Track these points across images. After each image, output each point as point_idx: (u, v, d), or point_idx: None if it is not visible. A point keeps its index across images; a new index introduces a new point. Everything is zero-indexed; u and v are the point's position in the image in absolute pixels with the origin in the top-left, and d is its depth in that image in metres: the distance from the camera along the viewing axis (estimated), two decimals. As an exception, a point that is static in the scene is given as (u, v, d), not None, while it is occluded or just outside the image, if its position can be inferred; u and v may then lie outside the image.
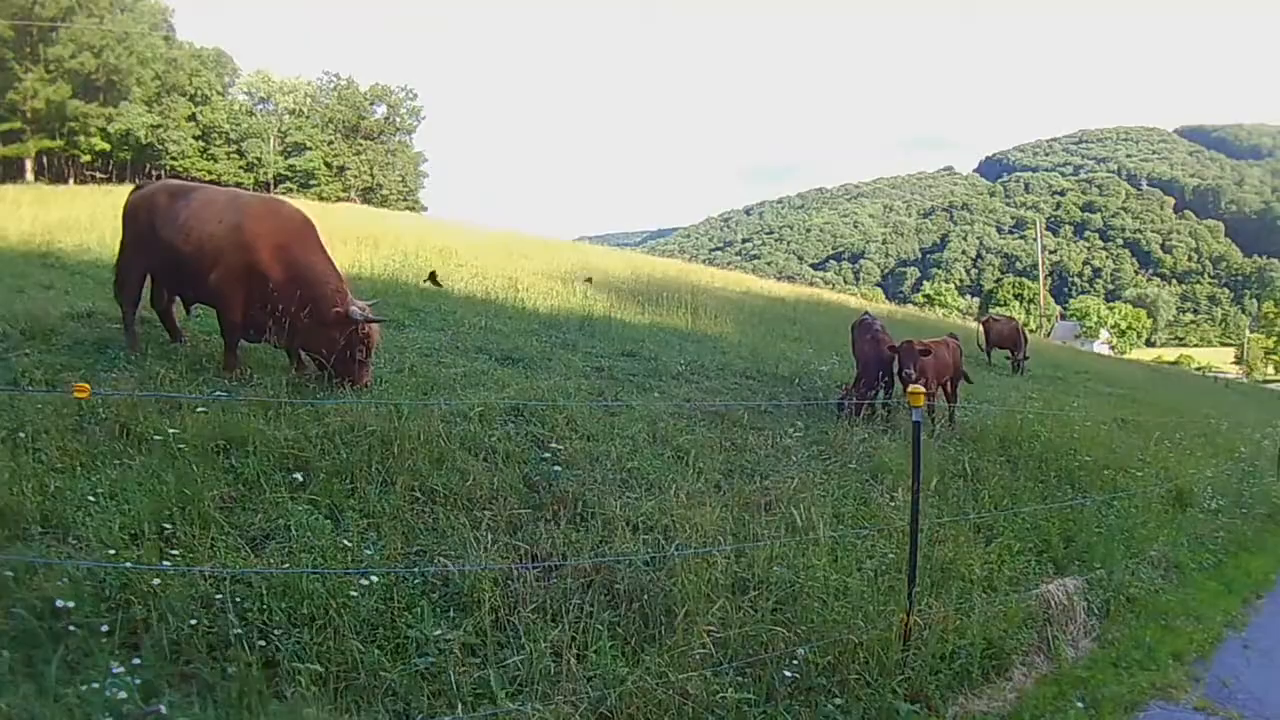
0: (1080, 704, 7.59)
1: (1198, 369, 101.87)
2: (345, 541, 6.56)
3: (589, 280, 28.66)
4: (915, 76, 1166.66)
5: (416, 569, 6.53)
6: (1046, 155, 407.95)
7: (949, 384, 15.99)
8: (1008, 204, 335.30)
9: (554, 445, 9.42)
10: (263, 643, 5.36)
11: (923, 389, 7.68)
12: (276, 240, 10.23)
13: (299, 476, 7.47)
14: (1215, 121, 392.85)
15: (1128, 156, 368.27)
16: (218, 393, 9.00)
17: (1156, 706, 7.96)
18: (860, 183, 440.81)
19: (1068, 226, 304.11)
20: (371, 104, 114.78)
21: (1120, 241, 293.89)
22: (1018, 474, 12.64)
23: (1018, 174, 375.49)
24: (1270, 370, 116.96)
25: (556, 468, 8.84)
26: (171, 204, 10.40)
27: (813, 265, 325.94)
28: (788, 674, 6.36)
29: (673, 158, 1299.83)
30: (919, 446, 7.53)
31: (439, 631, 5.86)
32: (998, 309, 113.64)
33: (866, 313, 18.57)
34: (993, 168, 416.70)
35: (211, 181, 73.85)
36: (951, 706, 7.11)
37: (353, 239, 27.20)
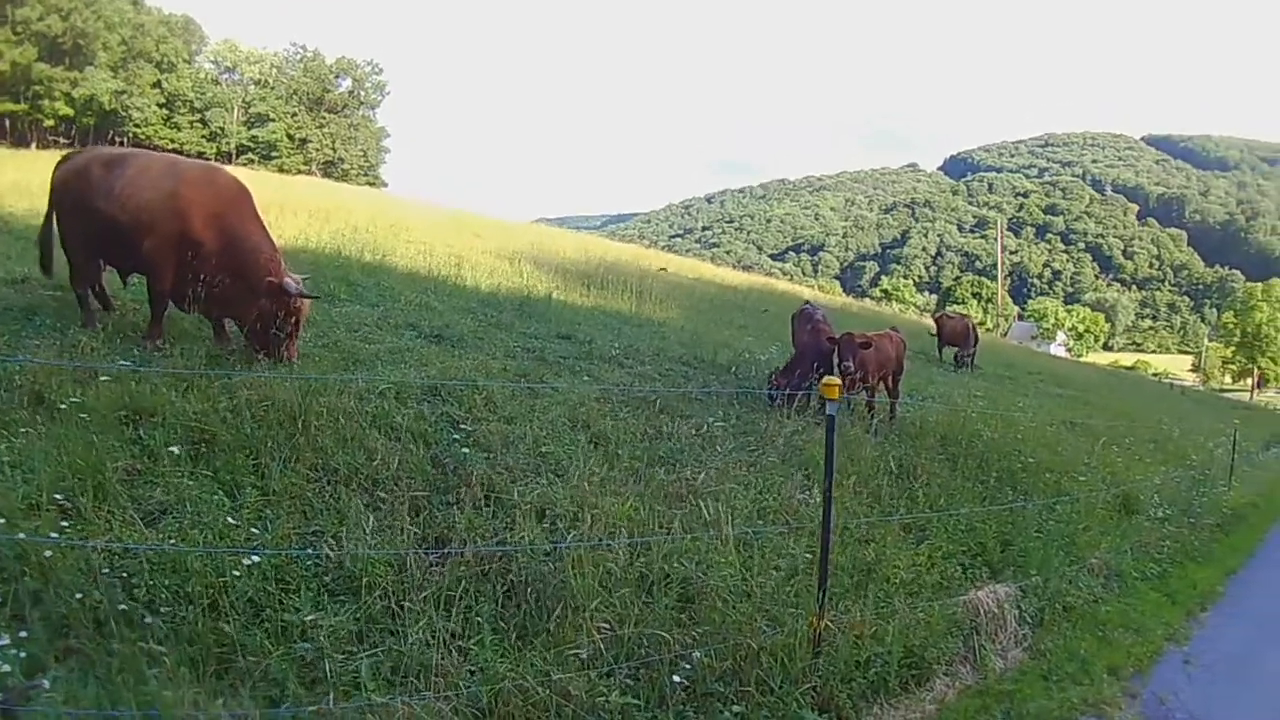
0: (1002, 720, 7.17)
1: (1154, 375, 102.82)
2: (230, 519, 6.34)
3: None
4: (883, 75, 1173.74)
5: (302, 550, 6.27)
6: (1012, 156, 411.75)
7: (891, 378, 15.64)
8: (970, 203, 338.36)
9: (465, 426, 9.17)
10: (148, 620, 5.20)
11: (837, 381, 7.18)
12: (212, 208, 9.91)
13: (203, 450, 7.27)
14: (1183, 131, 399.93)
15: (1093, 162, 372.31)
16: (122, 362, 8.66)
17: (1087, 724, 7.58)
18: (823, 176, 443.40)
19: (1030, 228, 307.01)
20: (336, 77, 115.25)
21: (1082, 245, 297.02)
22: (956, 473, 12.28)
23: (982, 174, 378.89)
24: (1227, 379, 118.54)
25: (465, 450, 8.51)
26: (106, 174, 9.93)
27: (772, 256, 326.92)
28: (677, 679, 6.02)
29: (638, 144, 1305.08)
30: (833, 442, 7.16)
31: (312, 617, 5.61)
32: (956, 307, 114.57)
33: (808, 302, 18.27)
34: (957, 166, 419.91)
35: (174, 150, 73.99)
36: (865, 717, 6.74)
37: (304, 211, 27.03)
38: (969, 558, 9.97)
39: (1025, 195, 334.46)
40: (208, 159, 77.97)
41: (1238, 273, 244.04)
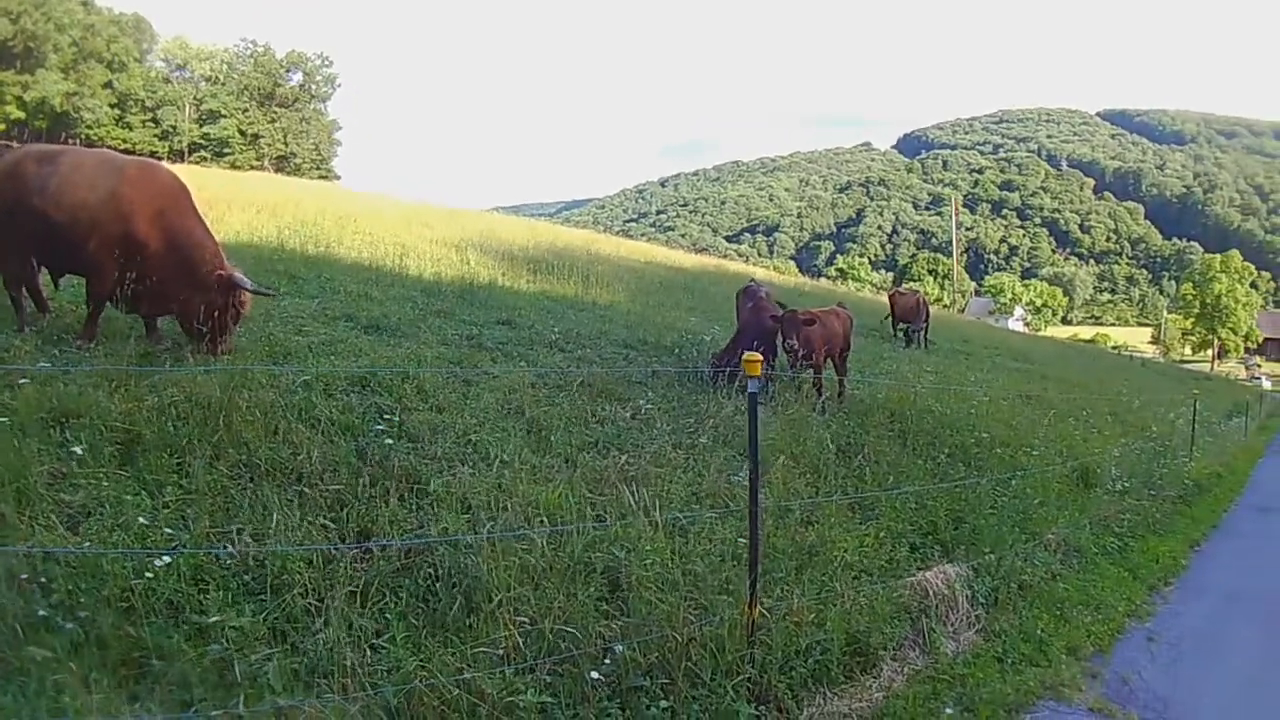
0: (952, 708, 6.91)
1: (1114, 348, 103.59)
2: (143, 520, 6.10)
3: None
4: (836, 54, 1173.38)
5: (217, 549, 6.06)
6: (966, 134, 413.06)
7: (838, 355, 15.35)
8: (925, 181, 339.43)
9: (389, 417, 8.89)
10: (67, 625, 5.03)
11: (758, 358, 6.85)
12: (155, 206, 9.76)
13: (127, 450, 7.08)
14: (1139, 106, 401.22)
15: (1048, 137, 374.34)
16: (41, 364, 8.45)
17: (1045, 708, 7.28)
18: (777, 156, 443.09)
19: (985, 204, 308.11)
20: (287, 71, 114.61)
21: (1038, 220, 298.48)
22: (906, 450, 12.05)
23: (936, 151, 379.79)
24: (1187, 350, 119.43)
25: (389, 440, 8.24)
26: (39, 171, 9.67)
27: (727, 238, 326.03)
28: (596, 675, 5.73)
29: (592, 130, 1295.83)
30: (755, 421, 6.83)
31: (217, 618, 5.35)
32: (911, 284, 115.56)
33: (753, 280, 18.16)
34: (911, 145, 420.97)
35: (126, 151, 73.39)
36: (807, 708, 6.42)
37: (252, 206, 26.59)
38: (920, 537, 9.76)
39: (980, 172, 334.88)
40: (160, 158, 77.83)
41: (1196, 245, 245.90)
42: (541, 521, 7.22)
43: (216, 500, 6.65)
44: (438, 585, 6.25)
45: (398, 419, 8.87)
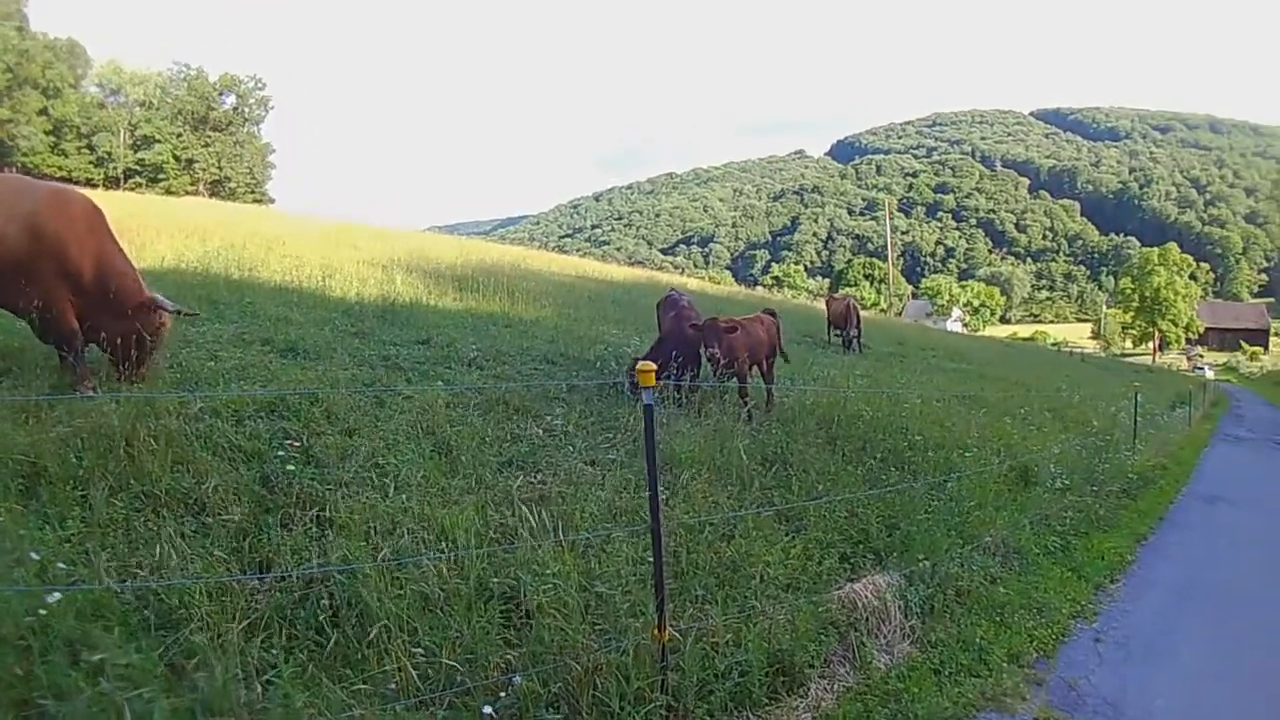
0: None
1: (1054, 345, 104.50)
2: (34, 554, 5.90)
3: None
4: (767, 64, 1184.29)
5: (115, 584, 5.88)
6: (900, 138, 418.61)
7: (764, 362, 15.19)
8: (859, 186, 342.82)
9: (292, 442, 8.72)
10: None
11: (652, 367, 6.48)
12: (75, 233, 9.47)
13: (32, 483, 7.00)
14: (1072, 105, 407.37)
15: (982, 139, 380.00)
16: None
17: (987, 720, 6.93)
18: (710, 167, 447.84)
19: (920, 208, 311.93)
20: (220, 94, 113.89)
21: (974, 221, 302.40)
22: (836, 457, 11.72)
23: (870, 157, 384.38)
24: (1128, 345, 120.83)
25: (290, 467, 8.10)
26: None
27: (662, 250, 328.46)
28: (488, 710, 5.52)
29: (524, 147, 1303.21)
30: (652, 433, 6.41)
31: (99, 657, 5.06)
32: (848, 289, 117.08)
33: (673, 289, 17.71)
34: (845, 151, 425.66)
35: (62, 178, 72.50)
36: (728, 733, 6.11)
37: (181, 232, 26.35)
38: (851, 546, 9.48)
39: (914, 175, 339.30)
40: (95, 185, 77.51)
41: (1133, 239, 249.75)
42: (445, 546, 7.03)
43: (118, 533, 6.52)
44: (338, 615, 6.07)
45: (305, 444, 8.71)
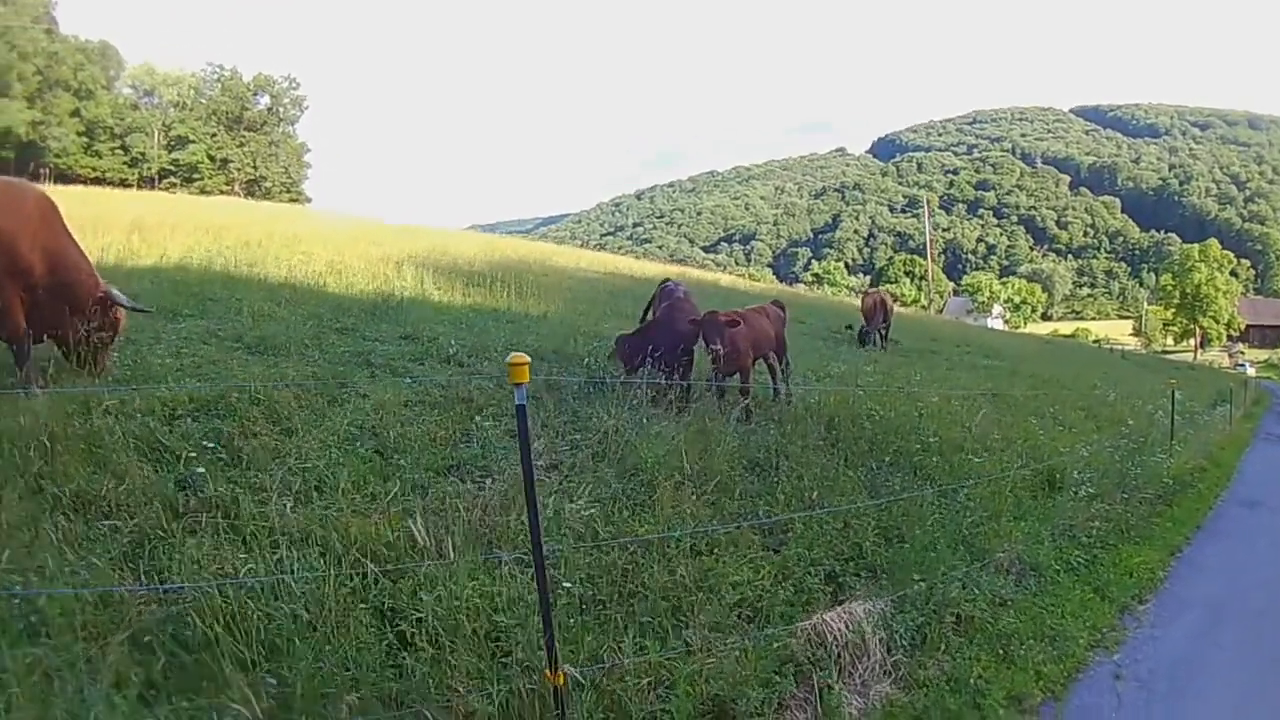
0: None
1: (1095, 341, 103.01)
2: None
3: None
4: (808, 61, 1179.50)
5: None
6: (940, 135, 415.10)
7: (772, 356, 14.26)
8: (900, 184, 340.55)
9: (209, 445, 8.04)
10: None
11: (524, 359, 5.62)
12: (27, 229, 9.09)
13: None
14: (1112, 101, 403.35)
15: (1022, 136, 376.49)
16: None
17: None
18: (752, 165, 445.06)
19: (961, 205, 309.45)
20: (254, 94, 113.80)
21: (1015, 219, 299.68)
22: (836, 460, 10.58)
23: (910, 154, 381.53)
24: (1169, 342, 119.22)
25: (200, 469, 7.45)
26: None
27: (704, 248, 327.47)
28: None
29: (567, 145, 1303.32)
30: (526, 438, 5.75)
31: None
32: (888, 286, 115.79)
33: (669, 280, 16.61)
34: (886, 148, 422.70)
35: (96, 179, 73.01)
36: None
37: (199, 229, 26.23)
38: (841, 563, 8.35)
39: (955, 172, 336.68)
40: (130, 185, 78.06)
41: (1174, 236, 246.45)
42: (356, 560, 6.40)
43: (26, 535, 6.09)
44: (234, 632, 5.45)
45: (233, 444, 8.14)
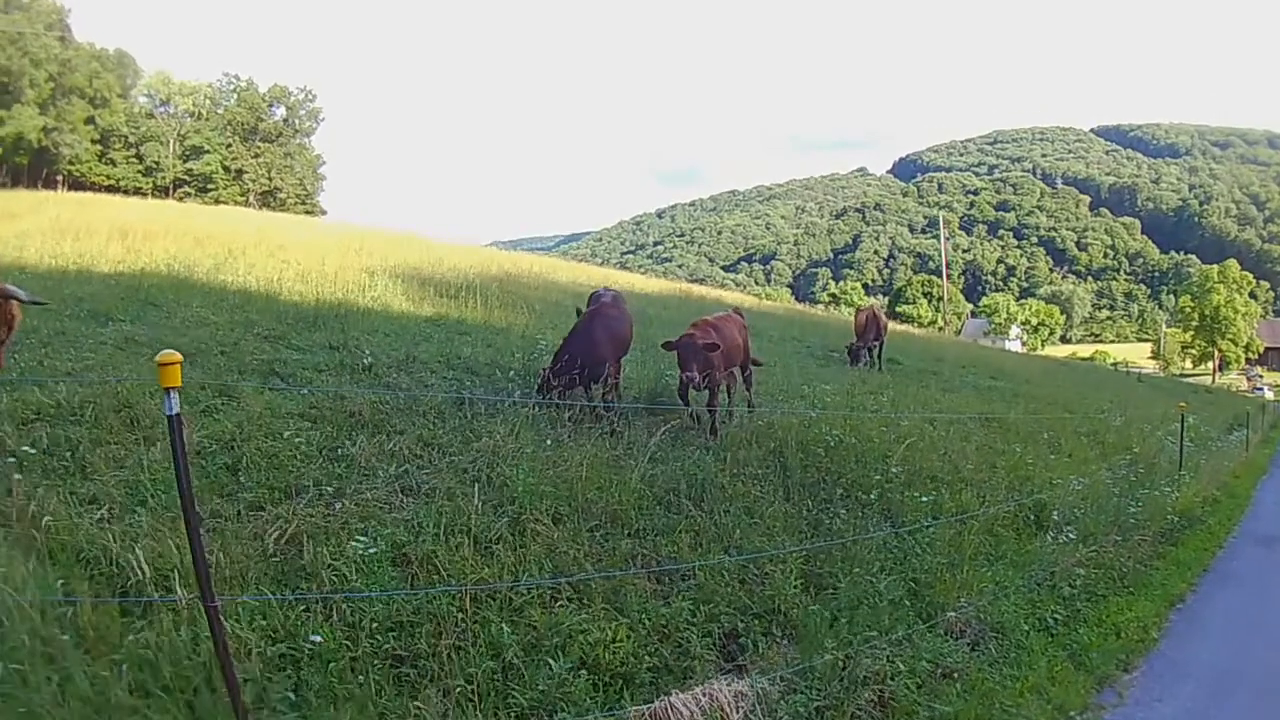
0: None
1: (1113, 364, 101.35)
2: None
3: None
4: (830, 81, 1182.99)
5: None
6: (961, 155, 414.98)
7: (739, 369, 13.24)
8: (921, 204, 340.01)
9: (26, 448, 7.50)
10: None
11: (177, 356, 4.79)
12: None
13: None
14: (1132, 121, 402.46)
15: (1043, 156, 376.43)
16: None
17: None
18: (773, 184, 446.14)
19: (981, 225, 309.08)
20: (270, 105, 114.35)
21: (1035, 240, 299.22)
22: (773, 492, 9.23)
23: (931, 174, 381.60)
24: (1188, 364, 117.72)
25: (17, 476, 6.82)
26: None
27: (724, 267, 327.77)
28: None
29: (589, 163, 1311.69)
30: (182, 458, 4.64)
31: None
32: (906, 307, 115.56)
33: (604, 288, 15.24)
34: (906, 169, 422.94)
35: (109, 187, 73.41)
36: None
37: (187, 236, 26.21)
38: (747, 619, 6.87)
39: (975, 193, 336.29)
40: (144, 194, 77.62)
41: (1193, 257, 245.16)
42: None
43: None
44: None
45: (80, 451, 7.70)
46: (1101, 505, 12.69)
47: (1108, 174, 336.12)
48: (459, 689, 5.18)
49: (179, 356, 4.73)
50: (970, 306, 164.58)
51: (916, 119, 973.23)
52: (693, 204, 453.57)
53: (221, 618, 4.48)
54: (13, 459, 7.25)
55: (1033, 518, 11.45)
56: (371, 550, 6.39)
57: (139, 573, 5.75)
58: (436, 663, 5.38)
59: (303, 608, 5.60)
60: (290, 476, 7.83)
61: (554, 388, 11.05)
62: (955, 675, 6.96)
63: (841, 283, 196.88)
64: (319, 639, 5.23)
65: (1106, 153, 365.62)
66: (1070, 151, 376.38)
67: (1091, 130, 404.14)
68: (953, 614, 7.70)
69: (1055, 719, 6.73)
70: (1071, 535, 10.99)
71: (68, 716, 4.54)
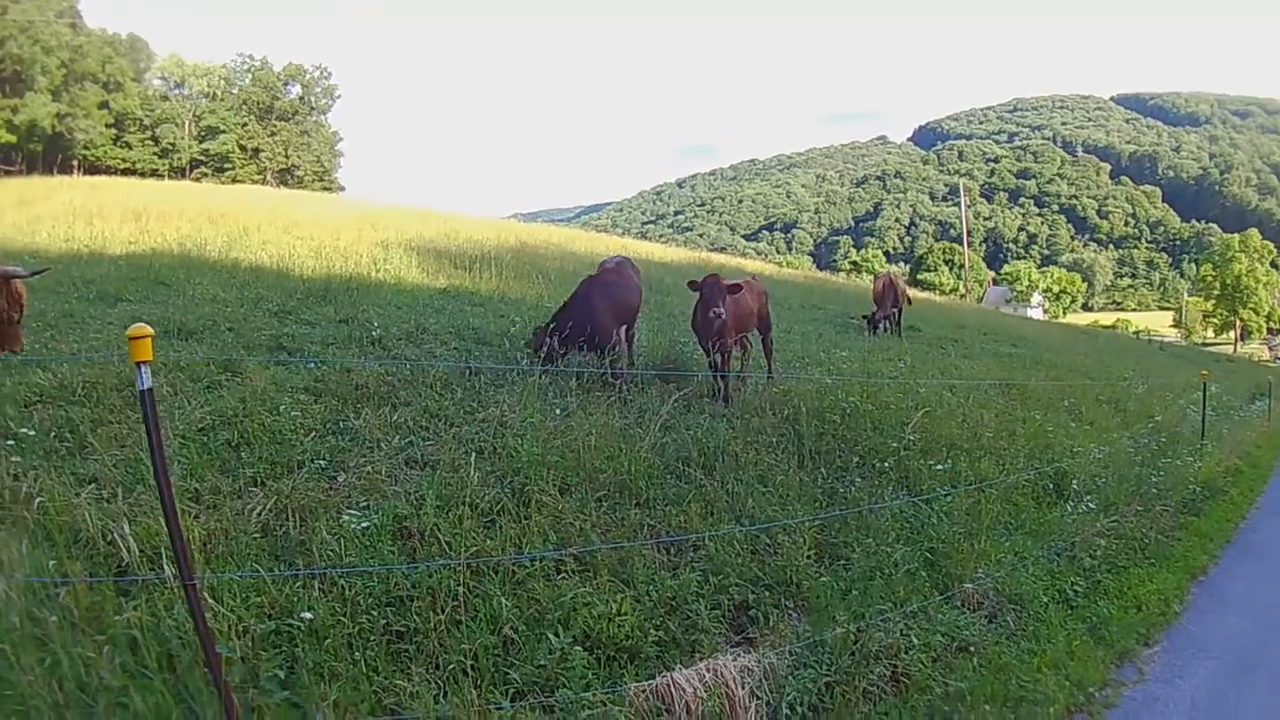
0: None
1: (1135, 332, 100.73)
2: None
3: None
4: (849, 49, 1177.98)
5: None
6: (981, 124, 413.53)
7: (762, 333, 13.47)
8: (941, 172, 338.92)
9: (28, 432, 7.34)
10: None
11: (148, 330, 4.40)
12: None
13: None
14: (1152, 89, 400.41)
15: (1063, 124, 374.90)
16: None
17: None
18: (793, 153, 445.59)
19: (1002, 193, 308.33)
20: (285, 84, 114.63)
21: (1055, 208, 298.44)
22: (788, 461, 8.97)
23: (951, 142, 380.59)
24: (1209, 333, 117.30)
25: (17, 458, 6.77)
26: None
27: (745, 236, 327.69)
28: None
29: (609, 133, 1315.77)
30: (156, 429, 4.28)
31: None
32: (927, 274, 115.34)
33: (615, 256, 15.14)
34: (927, 137, 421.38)
35: (126, 170, 73.87)
36: None
37: (200, 216, 26.35)
38: (758, 590, 6.65)
39: (996, 161, 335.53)
40: (160, 176, 77.94)
41: (1215, 226, 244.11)
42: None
43: None
44: None
45: (80, 432, 7.49)
46: (1123, 474, 12.38)
47: (1128, 142, 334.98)
48: (454, 664, 4.99)
49: (150, 330, 4.43)
50: (992, 274, 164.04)
51: (936, 87, 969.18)
52: (713, 173, 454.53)
53: (202, 595, 4.30)
54: (10, 442, 7.12)
55: (1052, 486, 11.15)
56: (365, 524, 6.14)
57: (128, 552, 5.57)
58: (435, 639, 5.19)
59: (299, 584, 5.40)
60: (293, 451, 7.67)
61: (554, 352, 10.95)
62: (971, 649, 6.66)
63: (863, 250, 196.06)
64: (309, 615, 5.04)
65: (1126, 121, 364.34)
66: (1090, 119, 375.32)
67: (1111, 98, 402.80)
68: (970, 585, 7.46)
69: (1073, 695, 6.42)
70: (1092, 505, 10.67)
71: (56, 698, 4.32)
